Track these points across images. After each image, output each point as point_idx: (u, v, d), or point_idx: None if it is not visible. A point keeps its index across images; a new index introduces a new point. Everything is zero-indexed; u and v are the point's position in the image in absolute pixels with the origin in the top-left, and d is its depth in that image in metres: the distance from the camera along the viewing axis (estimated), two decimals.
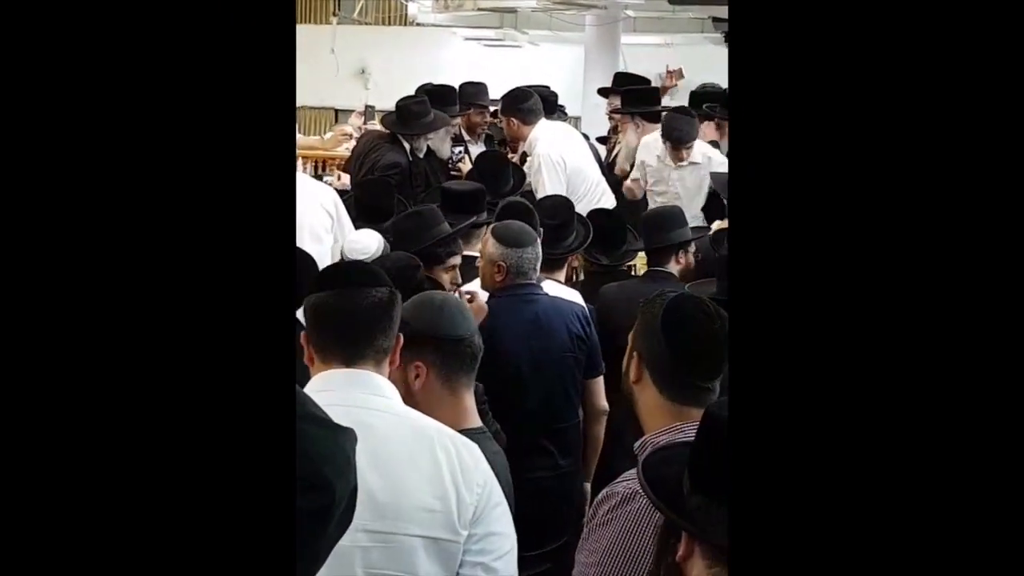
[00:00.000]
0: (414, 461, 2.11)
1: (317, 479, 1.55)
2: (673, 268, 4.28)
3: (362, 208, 4.90)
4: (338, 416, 2.07)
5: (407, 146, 5.96)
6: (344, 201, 4.88)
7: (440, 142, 6.17)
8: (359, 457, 2.11)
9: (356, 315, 2.19)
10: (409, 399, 2.38)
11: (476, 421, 2.53)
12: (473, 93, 6.96)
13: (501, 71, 10.26)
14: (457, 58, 12.20)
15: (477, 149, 6.92)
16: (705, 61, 10.63)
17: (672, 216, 4.41)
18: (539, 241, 3.82)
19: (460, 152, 6.68)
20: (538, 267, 3.78)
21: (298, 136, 6.13)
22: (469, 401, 2.53)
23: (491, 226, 3.90)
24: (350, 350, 2.19)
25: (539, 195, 5.25)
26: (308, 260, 3.45)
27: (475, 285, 3.87)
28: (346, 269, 2.36)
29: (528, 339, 3.69)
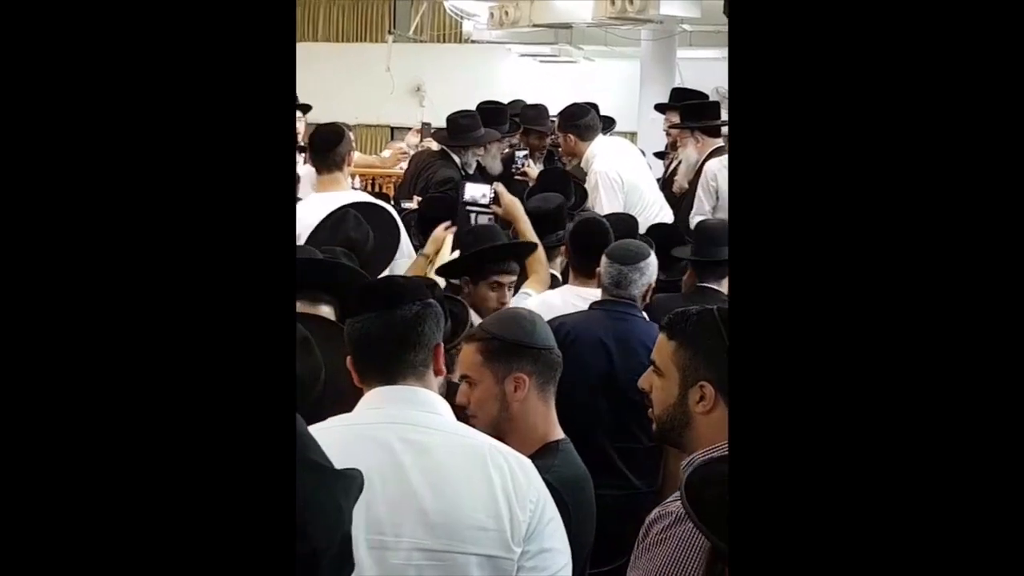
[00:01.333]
0: (467, 479, 2.12)
1: (297, 526, 1.53)
2: (724, 286, 4.07)
3: (426, 223, 4.91)
4: (387, 434, 2.11)
5: (458, 160, 5.98)
6: (405, 219, 4.90)
7: (491, 159, 6.17)
8: (412, 474, 2.14)
9: (383, 337, 2.23)
10: (505, 411, 2.47)
11: (561, 432, 2.55)
12: (533, 116, 6.94)
13: (556, 87, 10.28)
14: (512, 74, 12.25)
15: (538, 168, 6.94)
16: None
17: (727, 230, 4.33)
18: (649, 261, 3.70)
19: (524, 157, 6.68)
20: (645, 288, 3.67)
21: (356, 154, 6.13)
22: (554, 411, 2.56)
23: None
24: (384, 371, 2.23)
25: (597, 212, 5.22)
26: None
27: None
28: (375, 290, 2.38)
29: (607, 355, 3.65)
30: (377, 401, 2.19)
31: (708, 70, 10.86)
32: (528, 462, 2.20)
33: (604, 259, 3.67)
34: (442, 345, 2.28)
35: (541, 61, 12.15)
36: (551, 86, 10.27)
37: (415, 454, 2.12)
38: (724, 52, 10.80)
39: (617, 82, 11.25)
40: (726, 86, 10.53)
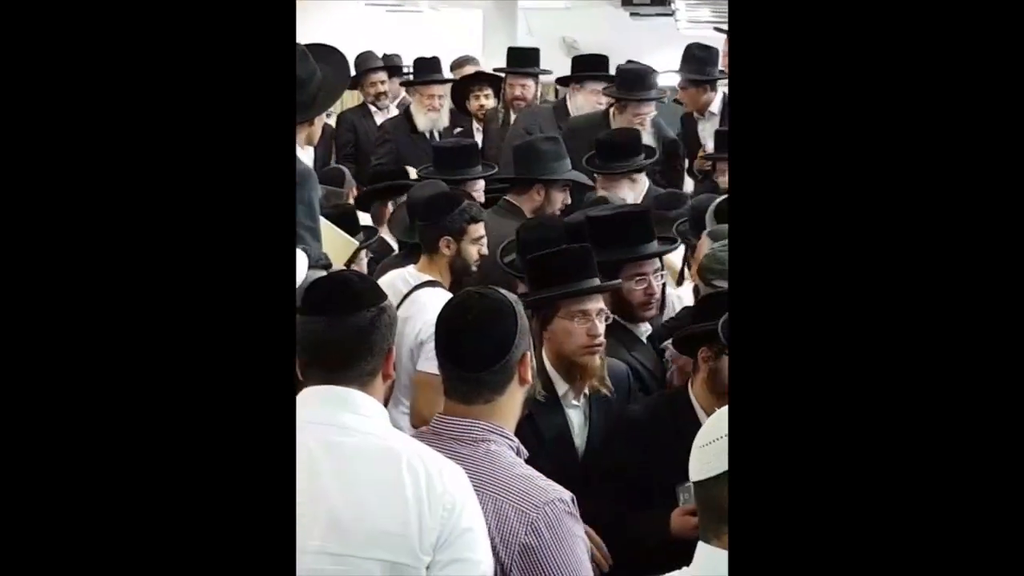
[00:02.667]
0: (377, 483, 2.07)
1: None
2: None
3: None
4: (307, 436, 2.06)
5: None
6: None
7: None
8: (326, 477, 2.07)
9: (334, 343, 2.17)
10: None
11: None
12: (360, 62, 6.93)
13: (403, 37, 10.21)
14: (358, 24, 12.10)
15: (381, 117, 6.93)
16: (605, 24, 10.65)
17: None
18: None
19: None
20: None
21: None
22: None
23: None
24: (329, 374, 2.17)
25: None
26: None
27: None
28: (329, 292, 2.26)
29: None
30: (309, 400, 2.14)
31: (554, 19, 10.93)
32: (452, 470, 2.13)
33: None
34: (394, 350, 2.23)
35: (388, 11, 12.03)
36: (397, 36, 10.20)
37: (332, 457, 2.09)
38: (567, 3, 10.89)
39: (465, 32, 11.22)
40: (574, 35, 10.63)
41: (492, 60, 8.31)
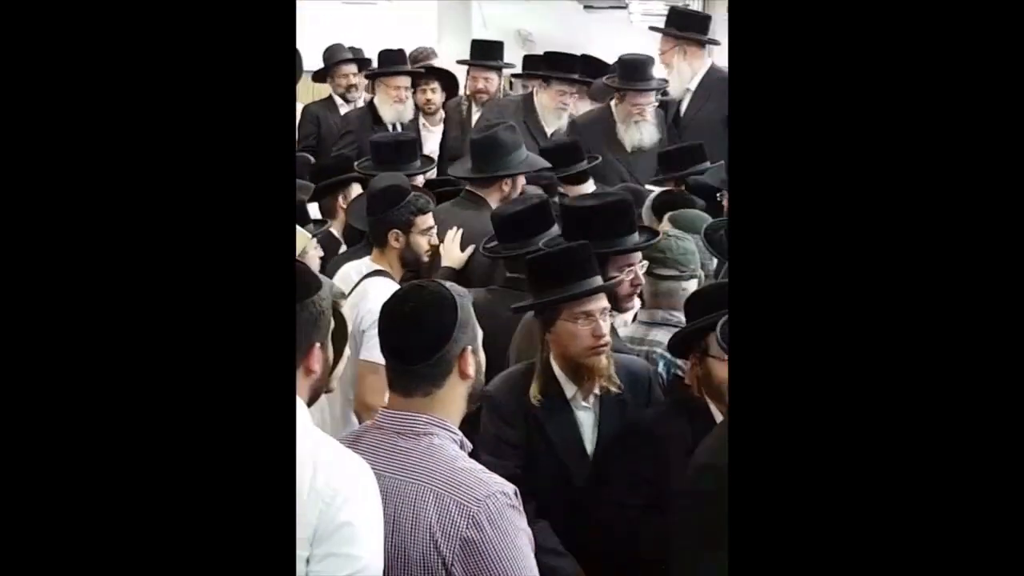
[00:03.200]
0: None
1: None
2: None
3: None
4: None
5: None
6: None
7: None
8: None
9: None
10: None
11: None
12: (329, 55, 6.94)
13: (358, 30, 10.18)
14: (315, 17, 12.02)
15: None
16: (559, 17, 10.69)
17: None
18: None
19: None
20: None
21: None
22: None
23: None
24: None
25: None
26: None
27: None
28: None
29: None
30: None
31: (509, 12, 10.92)
32: (343, 463, 2.10)
33: None
34: (319, 345, 2.20)
35: (344, 2, 11.97)
36: (352, 29, 10.17)
37: None
38: None
39: (419, 25, 11.21)
40: (528, 28, 10.64)
41: (447, 53, 8.33)
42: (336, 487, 2.03)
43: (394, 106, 6.37)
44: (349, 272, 4.02)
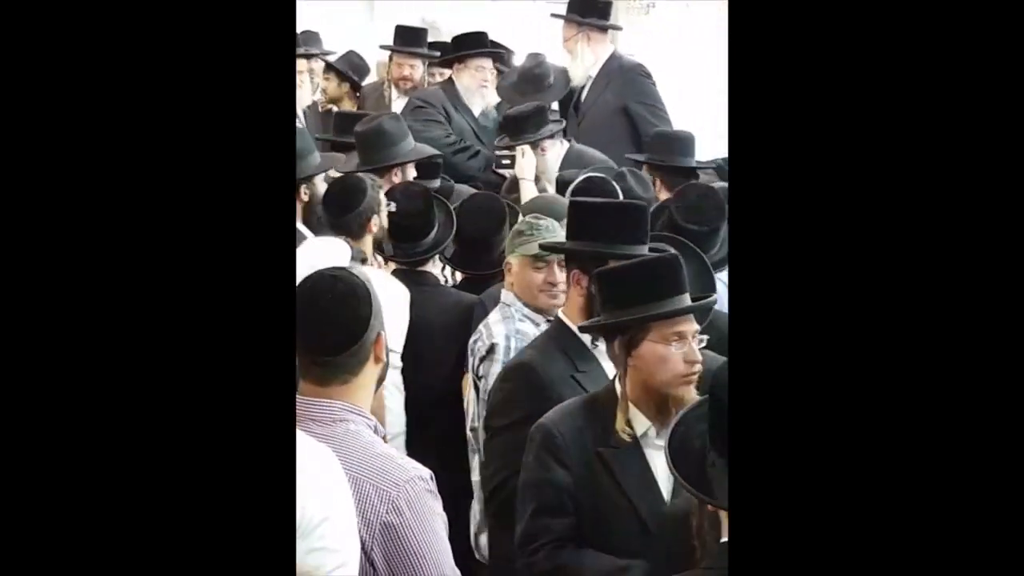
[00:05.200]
0: None
1: None
2: None
3: None
4: None
5: None
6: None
7: None
8: None
9: None
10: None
11: None
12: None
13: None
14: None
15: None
16: (464, 6, 10.64)
17: None
18: None
19: None
20: None
21: None
22: None
23: None
24: None
25: None
26: None
27: None
28: None
29: None
30: None
31: (411, 1, 10.83)
32: (319, 456, 2.09)
33: None
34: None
35: None
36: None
37: None
38: None
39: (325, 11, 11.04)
40: (433, 17, 10.52)
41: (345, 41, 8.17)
42: (317, 483, 2.04)
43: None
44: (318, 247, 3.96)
